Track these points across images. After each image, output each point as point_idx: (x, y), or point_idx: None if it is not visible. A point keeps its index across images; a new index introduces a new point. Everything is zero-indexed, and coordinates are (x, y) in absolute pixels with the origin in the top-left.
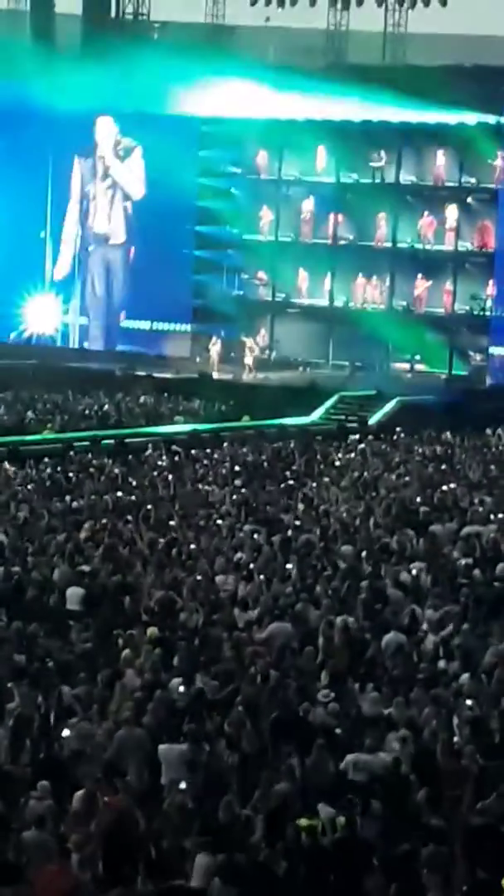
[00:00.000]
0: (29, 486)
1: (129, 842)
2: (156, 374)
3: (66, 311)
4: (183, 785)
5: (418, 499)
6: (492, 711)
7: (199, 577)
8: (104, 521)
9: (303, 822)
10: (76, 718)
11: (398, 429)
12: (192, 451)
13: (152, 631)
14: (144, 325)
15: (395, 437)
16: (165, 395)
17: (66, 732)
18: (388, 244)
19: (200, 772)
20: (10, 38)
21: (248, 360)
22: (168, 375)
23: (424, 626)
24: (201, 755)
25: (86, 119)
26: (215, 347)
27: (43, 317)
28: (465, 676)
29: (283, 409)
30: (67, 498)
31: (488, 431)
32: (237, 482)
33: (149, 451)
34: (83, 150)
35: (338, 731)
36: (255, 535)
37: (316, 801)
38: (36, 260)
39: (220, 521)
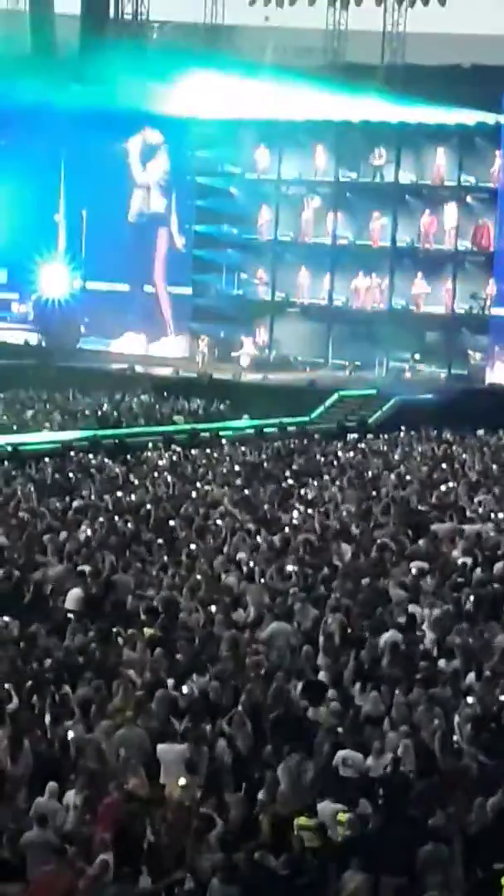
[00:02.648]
0: (29, 486)
1: (130, 840)
2: (155, 373)
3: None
4: (182, 782)
5: (417, 498)
6: (491, 710)
7: (199, 577)
8: (103, 520)
9: (302, 820)
10: (75, 719)
11: (402, 427)
12: (192, 451)
13: (151, 631)
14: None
15: (394, 437)
16: (164, 394)
17: (70, 734)
18: (388, 243)
19: (200, 771)
20: (8, 38)
21: (245, 360)
22: (167, 373)
23: (424, 626)
24: (201, 755)
25: (93, 118)
26: (204, 345)
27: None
28: (466, 675)
29: (283, 408)
30: (67, 498)
31: (479, 432)
32: (237, 482)
33: (148, 451)
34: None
35: (338, 730)
36: (255, 535)
37: (315, 800)
38: (49, 238)
39: (219, 521)
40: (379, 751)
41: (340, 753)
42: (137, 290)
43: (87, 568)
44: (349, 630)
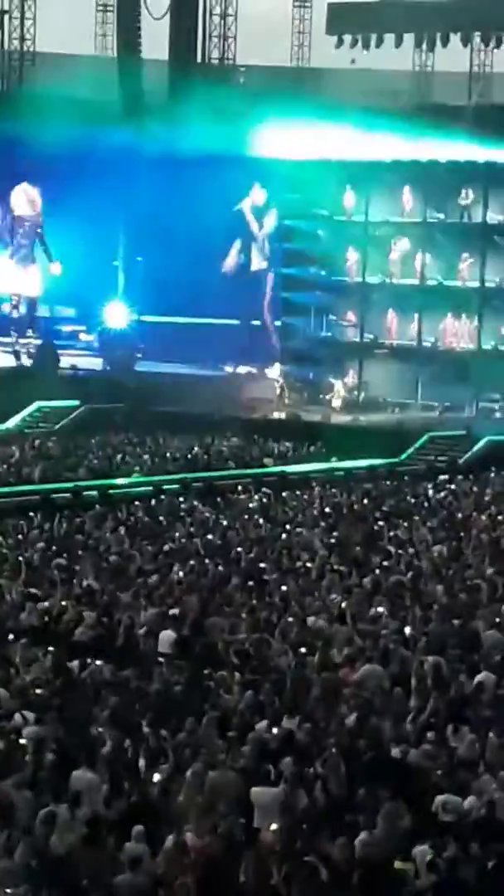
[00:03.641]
0: (120, 530)
1: (217, 885)
2: (244, 416)
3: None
4: (274, 827)
5: None
6: None
7: (290, 619)
8: (194, 563)
9: (398, 864)
10: (168, 762)
11: (493, 468)
12: (282, 493)
13: (243, 674)
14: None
15: (485, 477)
16: (255, 437)
17: (156, 777)
18: (476, 283)
19: (294, 815)
20: (97, 84)
21: (337, 402)
22: (255, 416)
23: None
24: (295, 798)
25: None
26: (279, 387)
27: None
28: None
29: (372, 449)
30: (158, 541)
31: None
32: (327, 523)
33: (238, 494)
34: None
35: (434, 772)
36: (346, 577)
37: (410, 843)
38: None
39: (309, 563)
40: (475, 794)
41: (439, 798)
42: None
43: (177, 611)
44: (442, 672)
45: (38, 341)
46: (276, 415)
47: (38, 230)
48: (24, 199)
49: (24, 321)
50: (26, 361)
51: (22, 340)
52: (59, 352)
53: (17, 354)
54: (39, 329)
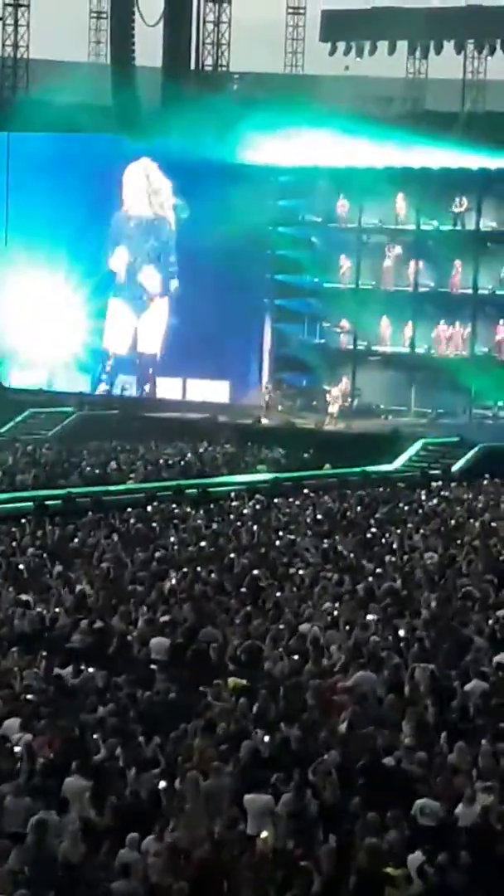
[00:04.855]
0: (113, 536)
1: (215, 893)
2: (238, 422)
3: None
4: (265, 834)
5: (502, 546)
6: None
7: (282, 626)
8: (187, 570)
9: (390, 871)
10: (161, 769)
11: (486, 475)
12: (275, 500)
13: (235, 681)
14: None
15: (478, 484)
16: (249, 443)
17: (150, 783)
18: (469, 290)
19: (286, 822)
20: (91, 91)
21: (333, 409)
22: (249, 422)
23: None
24: (287, 805)
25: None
26: (267, 392)
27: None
28: None
29: (366, 456)
30: (151, 548)
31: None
32: (320, 530)
33: (232, 501)
34: None
35: (422, 779)
36: (339, 584)
37: (402, 849)
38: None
39: (302, 570)
40: (467, 801)
41: (418, 802)
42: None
43: (170, 618)
44: (434, 679)
45: None
46: (264, 421)
47: None
48: None
49: None
50: None
51: None
52: None
53: None
54: None
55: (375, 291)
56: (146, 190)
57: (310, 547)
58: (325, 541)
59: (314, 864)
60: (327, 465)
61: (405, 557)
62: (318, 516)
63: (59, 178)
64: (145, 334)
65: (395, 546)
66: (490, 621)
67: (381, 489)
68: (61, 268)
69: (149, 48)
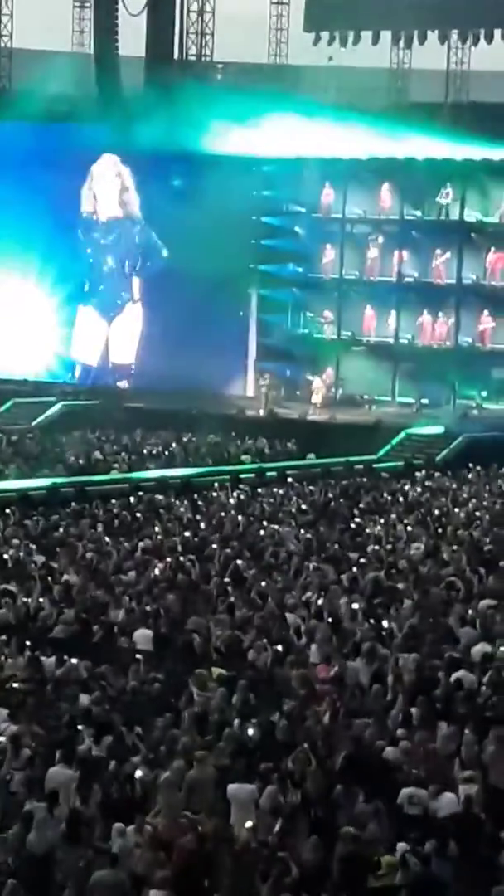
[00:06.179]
0: (97, 526)
1: (198, 882)
2: (223, 413)
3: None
4: (249, 824)
5: (487, 536)
6: None
7: (266, 616)
8: (171, 560)
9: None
10: (145, 758)
11: (469, 465)
12: (259, 490)
13: (219, 671)
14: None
15: (462, 474)
16: (233, 434)
17: (138, 773)
18: (453, 281)
19: (269, 812)
20: (74, 81)
21: (317, 398)
22: (233, 412)
23: (494, 664)
24: (271, 795)
25: (152, 158)
26: (265, 383)
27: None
28: None
29: (350, 446)
30: (135, 537)
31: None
32: (304, 520)
33: (215, 491)
34: None
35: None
36: (323, 574)
37: (386, 838)
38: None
39: (286, 561)
40: (451, 790)
41: (405, 791)
42: None
43: (154, 608)
44: (419, 669)
45: None
46: (249, 412)
47: None
48: None
49: None
50: None
51: None
52: None
53: None
54: None
55: (359, 281)
56: (118, 188)
57: (294, 537)
58: (309, 531)
59: (295, 854)
60: (311, 455)
61: (389, 547)
62: (303, 506)
63: (37, 170)
64: (117, 342)
65: (379, 536)
66: (472, 611)
67: (364, 479)
68: (32, 271)
69: (132, 38)
